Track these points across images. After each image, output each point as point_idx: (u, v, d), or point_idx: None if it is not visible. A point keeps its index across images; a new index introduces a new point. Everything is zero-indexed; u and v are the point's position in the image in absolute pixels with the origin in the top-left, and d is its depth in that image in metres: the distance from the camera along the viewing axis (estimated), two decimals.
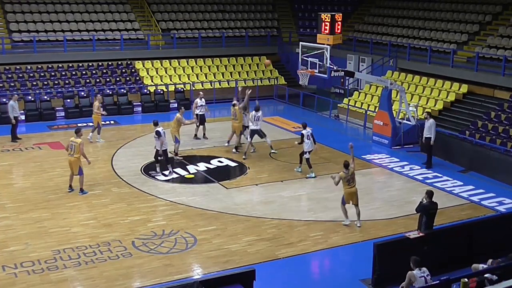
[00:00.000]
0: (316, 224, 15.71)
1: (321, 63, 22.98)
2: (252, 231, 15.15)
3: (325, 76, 23.42)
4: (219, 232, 15.02)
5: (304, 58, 23.56)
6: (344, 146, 18.90)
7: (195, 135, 24.05)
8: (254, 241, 14.55)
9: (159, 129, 19.19)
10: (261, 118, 21.70)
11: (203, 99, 24.05)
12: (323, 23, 23.68)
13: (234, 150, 22.11)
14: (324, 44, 23.35)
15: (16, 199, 16.93)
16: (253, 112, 21.28)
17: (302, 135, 19.38)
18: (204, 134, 24.10)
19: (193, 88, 31.37)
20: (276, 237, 14.82)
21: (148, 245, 14.15)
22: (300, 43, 24.42)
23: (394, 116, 23.78)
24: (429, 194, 13.62)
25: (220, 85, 32.77)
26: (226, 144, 22.63)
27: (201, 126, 24.01)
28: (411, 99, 26.82)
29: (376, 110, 25.55)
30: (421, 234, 12.75)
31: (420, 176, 19.64)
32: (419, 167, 20.69)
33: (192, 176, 19.41)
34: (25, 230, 14.82)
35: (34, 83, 29.52)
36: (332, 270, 14.05)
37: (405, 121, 23.57)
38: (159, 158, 19.48)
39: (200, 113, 23.79)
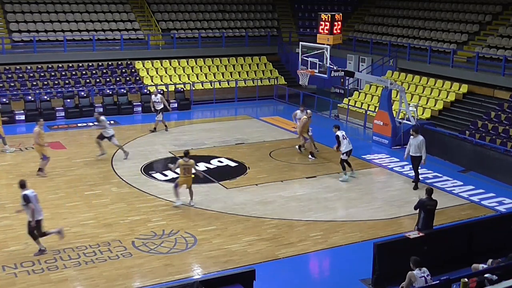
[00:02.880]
0: (316, 224, 15.71)
1: (321, 63, 22.99)
2: (252, 231, 15.15)
3: (325, 76, 23.43)
4: (219, 232, 15.02)
5: (304, 58, 23.57)
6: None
7: (155, 128, 25.17)
8: (254, 241, 14.55)
9: (28, 192, 13.49)
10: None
11: (158, 96, 25.10)
12: (323, 23, 23.70)
13: (298, 149, 22.27)
14: (324, 44, 23.37)
15: (16, 199, 16.83)
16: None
17: (338, 136, 19.18)
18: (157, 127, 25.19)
19: (193, 88, 31.37)
20: (276, 237, 14.82)
21: (148, 245, 14.16)
22: (300, 43, 24.43)
23: (394, 116, 23.78)
24: (429, 191, 13.70)
25: (220, 85, 32.77)
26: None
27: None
28: (411, 99, 26.83)
29: (376, 110, 25.55)
30: (421, 234, 12.75)
31: (420, 176, 19.63)
32: (419, 167, 20.66)
33: (192, 176, 19.38)
34: (25, 230, 14.80)
35: (34, 83, 29.51)
36: (332, 270, 14.05)
37: (405, 121, 23.57)
38: (35, 232, 13.55)
39: (158, 108, 24.91)
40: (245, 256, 13.73)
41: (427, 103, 26.89)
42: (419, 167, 18.83)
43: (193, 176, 16.74)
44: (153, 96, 25.37)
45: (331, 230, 15.34)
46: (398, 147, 23.10)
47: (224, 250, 13.98)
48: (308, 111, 22.26)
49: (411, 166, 19.18)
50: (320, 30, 23.88)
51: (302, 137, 21.57)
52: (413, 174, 19.28)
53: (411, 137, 18.58)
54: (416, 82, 28.83)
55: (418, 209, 13.73)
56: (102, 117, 21.41)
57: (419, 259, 10.87)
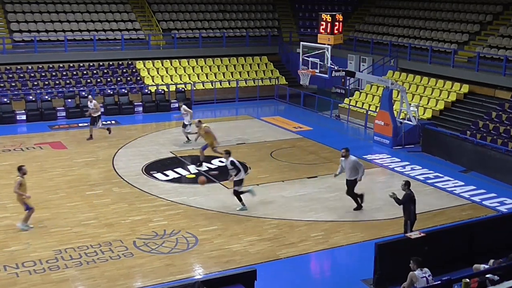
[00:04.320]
0: (317, 224, 15.71)
1: (322, 63, 22.99)
2: (253, 231, 15.15)
3: (326, 76, 23.43)
4: (220, 232, 15.02)
5: (305, 58, 23.58)
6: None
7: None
8: (255, 241, 14.55)
9: None
10: None
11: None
12: (324, 23, 23.69)
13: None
14: (325, 44, 23.36)
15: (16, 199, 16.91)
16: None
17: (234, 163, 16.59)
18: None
19: (194, 88, 31.37)
20: (277, 237, 14.82)
21: (150, 245, 14.16)
22: (301, 43, 24.43)
23: (395, 116, 23.77)
24: (408, 183, 13.98)
25: (221, 85, 32.77)
26: None
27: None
28: (411, 99, 26.81)
29: (377, 110, 25.54)
30: (422, 234, 12.75)
31: (421, 176, 19.62)
32: (420, 167, 20.68)
33: (193, 176, 19.41)
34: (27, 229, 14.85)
35: (35, 83, 29.51)
36: (333, 270, 14.05)
37: (406, 121, 23.56)
38: None
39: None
40: (246, 256, 13.73)
41: (428, 103, 26.88)
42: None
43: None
44: (88, 102, 23.86)
45: (332, 230, 15.34)
46: (399, 147, 23.09)
47: (225, 250, 13.99)
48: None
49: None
50: (321, 30, 23.87)
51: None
52: (414, 174, 19.20)
53: (342, 158, 16.45)
54: (417, 82, 28.82)
55: (403, 204, 13.84)
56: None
57: (420, 259, 10.87)
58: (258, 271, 10.83)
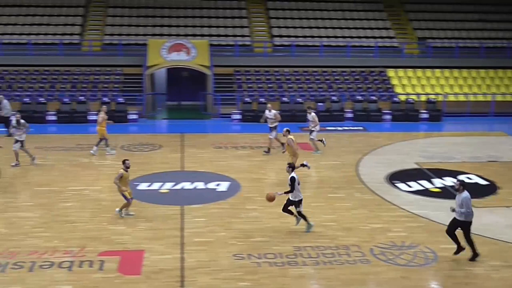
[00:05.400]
0: None
1: None
2: (498, 256, 14.12)
3: None
4: (463, 252, 14.24)
5: None
6: None
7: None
8: (500, 267, 13.53)
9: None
10: None
11: (272, 112, 22.55)
12: None
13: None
14: None
15: (264, 193, 17.85)
16: None
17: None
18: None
19: (446, 99, 30.29)
20: None
21: (387, 255, 13.96)
22: None
23: None
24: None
25: (475, 97, 31.18)
26: None
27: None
28: None
29: None
30: None
31: None
32: None
33: (438, 190, 18.72)
34: (271, 223, 15.59)
35: (290, 85, 31.00)
36: None
37: None
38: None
39: (273, 125, 22.37)
40: (487, 280, 12.84)
41: None
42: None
43: None
44: (266, 111, 22.79)
45: None
46: None
47: (465, 271, 13.23)
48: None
49: None
50: None
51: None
52: None
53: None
54: None
55: None
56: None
57: None
58: None
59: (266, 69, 32.13)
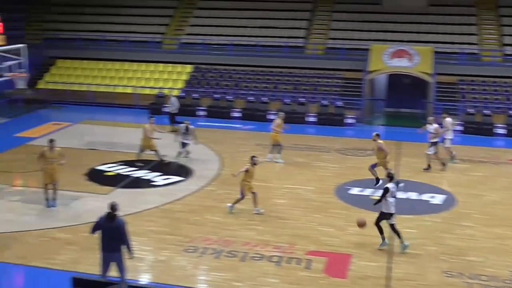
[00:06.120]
0: None
1: None
2: None
3: None
4: None
5: None
6: None
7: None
8: None
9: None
10: None
11: (434, 126, 20.95)
12: None
13: None
14: None
15: (483, 211, 16.88)
16: None
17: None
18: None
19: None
20: None
21: None
22: None
23: None
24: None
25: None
26: None
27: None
28: None
29: None
30: None
31: None
32: None
33: None
34: (487, 243, 14.65)
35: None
36: None
37: None
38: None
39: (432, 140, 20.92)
40: None
41: None
42: None
43: None
44: (428, 125, 21.16)
45: None
46: None
47: None
48: None
49: None
50: None
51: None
52: None
53: None
54: None
55: None
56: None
57: None
58: None
59: (494, 79, 30.28)
